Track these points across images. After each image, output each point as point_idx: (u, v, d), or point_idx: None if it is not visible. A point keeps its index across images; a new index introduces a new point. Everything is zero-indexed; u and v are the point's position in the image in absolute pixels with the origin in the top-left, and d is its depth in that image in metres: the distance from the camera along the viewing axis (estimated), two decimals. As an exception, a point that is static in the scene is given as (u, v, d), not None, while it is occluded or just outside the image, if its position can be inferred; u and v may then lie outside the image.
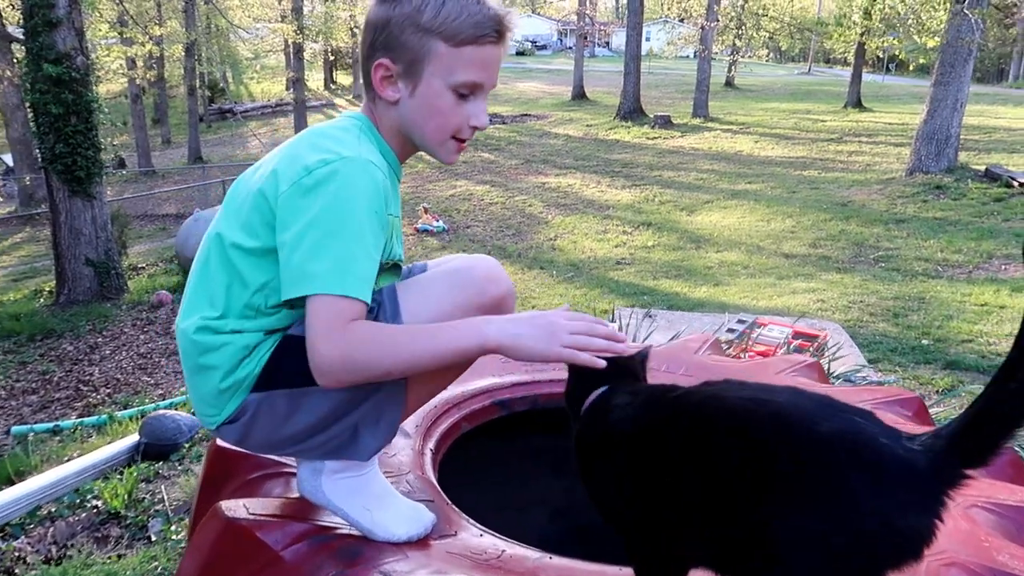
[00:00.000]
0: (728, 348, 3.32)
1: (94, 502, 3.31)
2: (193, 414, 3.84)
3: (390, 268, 1.29)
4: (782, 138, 17.75)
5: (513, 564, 1.20)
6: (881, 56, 24.66)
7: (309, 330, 1.08)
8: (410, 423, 1.67)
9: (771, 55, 44.75)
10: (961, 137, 11.59)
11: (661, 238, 10.38)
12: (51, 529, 3.15)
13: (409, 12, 1.19)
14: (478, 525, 1.35)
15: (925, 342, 5.04)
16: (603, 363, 1.19)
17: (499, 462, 1.98)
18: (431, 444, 1.65)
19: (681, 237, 10.30)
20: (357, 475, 1.24)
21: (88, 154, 8.18)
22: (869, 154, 14.91)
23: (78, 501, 3.35)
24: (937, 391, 4.06)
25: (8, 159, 17.99)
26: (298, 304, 1.13)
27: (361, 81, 1.31)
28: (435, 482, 1.48)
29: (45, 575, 2.48)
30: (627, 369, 1.27)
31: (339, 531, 1.23)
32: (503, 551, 1.25)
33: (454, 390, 1.86)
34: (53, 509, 3.40)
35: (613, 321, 4.06)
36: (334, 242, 1.09)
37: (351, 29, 26.60)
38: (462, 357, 1.16)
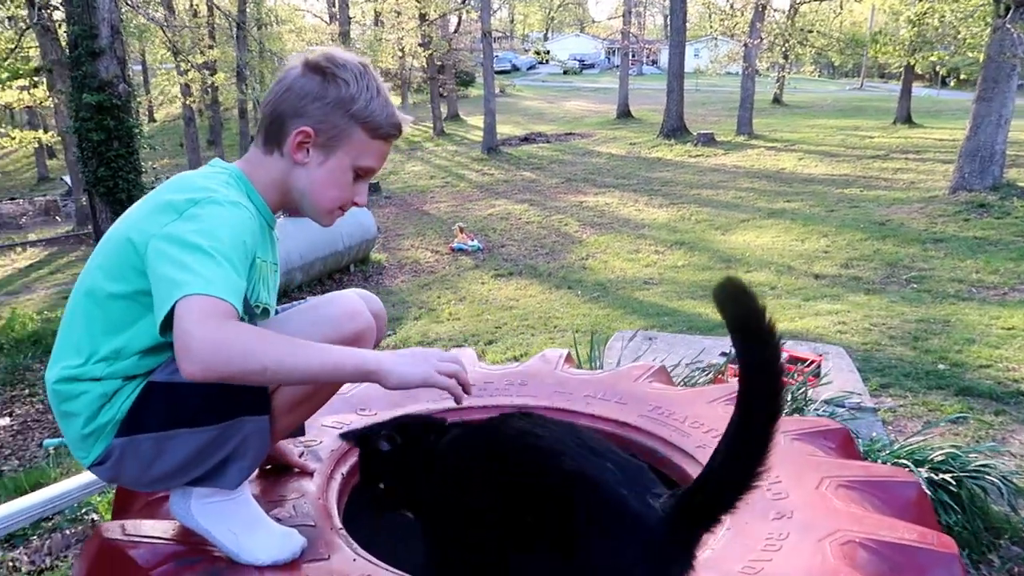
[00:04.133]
0: (710, 372, 3.29)
1: (92, 515, 3.45)
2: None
3: (260, 314, 1.35)
4: (827, 155, 17.42)
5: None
6: (937, 70, 24.04)
7: (180, 323, 1.07)
8: (325, 448, 1.72)
9: (822, 71, 43.98)
10: (1008, 153, 11.22)
11: (692, 258, 10.29)
12: (48, 541, 3.30)
13: (343, 97, 1.33)
14: (358, 550, 1.39)
15: (941, 367, 4.89)
16: (465, 397, 1.24)
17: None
18: (344, 469, 1.70)
19: (712, 257, 10.19)
20: (226, 499, 1.29)
21: (129, 177, 8.53)
22: (915, 171, 14.54)
23: (78, 514, 3.49)
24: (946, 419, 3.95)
25: (69, 180, 18.85)
26: (164, 345, 1.18)
27: (267, 122, 1.39)
28: (333, 506, 1.53)
29: (24, 584, 2.60)
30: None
31: (208, 552, 1.29)
32: (367, 575, 1.29)
33: (384, 418, 1.91)
34: (57, 521, 3.55)
35: (606, 346, 4.07)
36: (200, 256, 1.13)
37: (399, 51, 27.13)
38: (338, 373, 1.21)
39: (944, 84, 32.77)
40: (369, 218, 11.47)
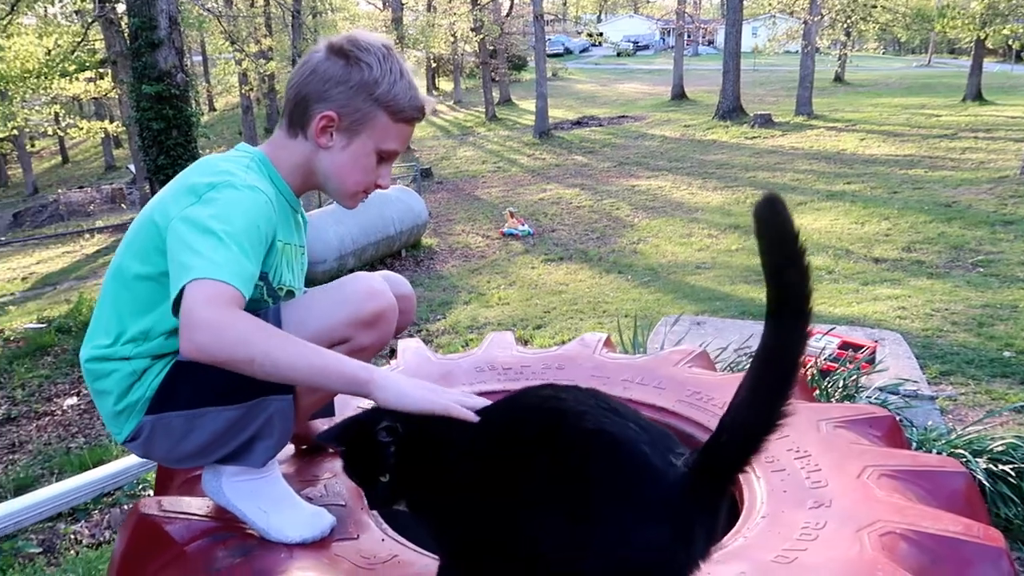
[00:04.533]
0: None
1: (148, 492, 3.57)
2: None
3: (284, 296, 1.36)
4: (890, 135, 16.84)
5: (392, 569, 1.24)
6: (1010, 44, 22.90)
7: (186, 304, 1.10)
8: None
9: (886, 47, 42.38)
10: (1086, 131, 10.68)
11: (746, 242, 10.07)
12: (107, 516, 3.43)
13: (366, 80, 1.32)
14: (387, 530, 1.40)
15: (1007, 354, 4.69)
16: (476, 417, 1.17)
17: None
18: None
19: (767, 240, 9.96)
20: (256, 478, 1.31)
21: (187, 165, 8.73)
22: (984, 151, 13.94)
23: (136, 491, 3.62)
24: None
25: (133, 168, 19.47)
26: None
27: (294, 109, 1.38)
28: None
29: (82, 557, 2.71)
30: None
31: (240, 529, 1.31)
32: (395, 555, 1.29)
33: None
34: (117, 496, 3.69)
35: (653, 331, 4.01)
36: (212, 241, 1.15)
37: (451, 37, 27.17)
38: (326, 379, 1.17)
39: (1018, 59, 31.28)
40: (420, 203, 11.54)
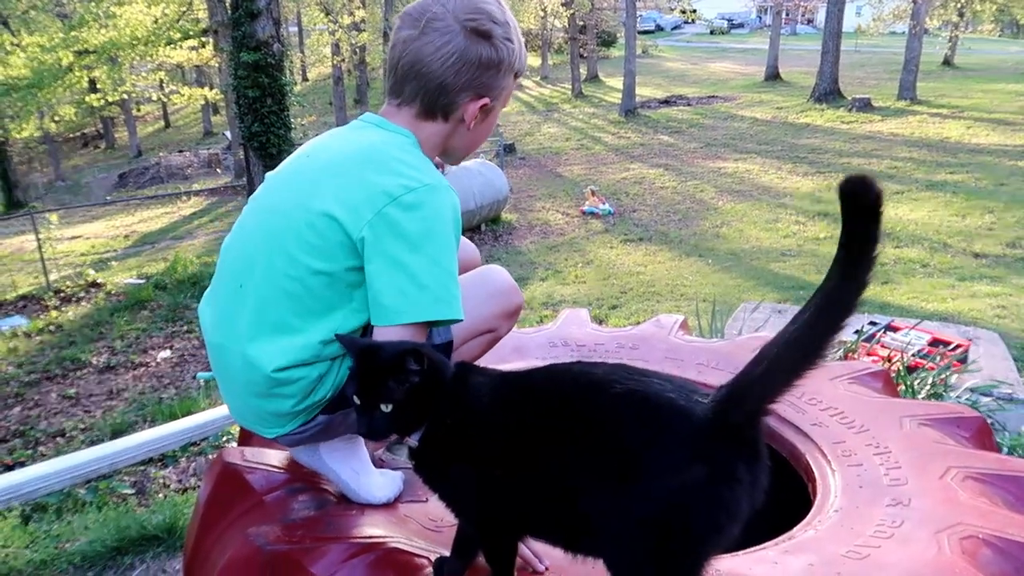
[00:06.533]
0: (840, 349, 3.12)
1: (232, 443, 3.74)
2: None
3: None
4: (1001, 123, 15.87)
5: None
6: None
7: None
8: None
9: (1003, 30, 39.73)
10: None
11: (835, 230, 9.53)
12: (193, 463, 3.62)
13: (511, 60, 1.32)
14: (455, 495, 1.43)
15: (1117, 361, 4.40)
16: None
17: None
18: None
19: (859, 230, 9.60)
20: (350, 442, 1.36)
21: (280, 132, 9.02)
22: (1106, 143, 13.01)
23: (221, 442, 3.80)
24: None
25: (229, 135, 20.19)
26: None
27: (412, 90, 1.31)
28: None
29: (169, 500, 2.87)
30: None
31: (316, 484, 1.37)
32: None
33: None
34: (203, 446, 3.88)
35: (732, 317, 3.93)
36: (439, 276, 1.16)
37: (541, 12, 26.98)
38: None
39: None
40: (502, 178, 11.58)
